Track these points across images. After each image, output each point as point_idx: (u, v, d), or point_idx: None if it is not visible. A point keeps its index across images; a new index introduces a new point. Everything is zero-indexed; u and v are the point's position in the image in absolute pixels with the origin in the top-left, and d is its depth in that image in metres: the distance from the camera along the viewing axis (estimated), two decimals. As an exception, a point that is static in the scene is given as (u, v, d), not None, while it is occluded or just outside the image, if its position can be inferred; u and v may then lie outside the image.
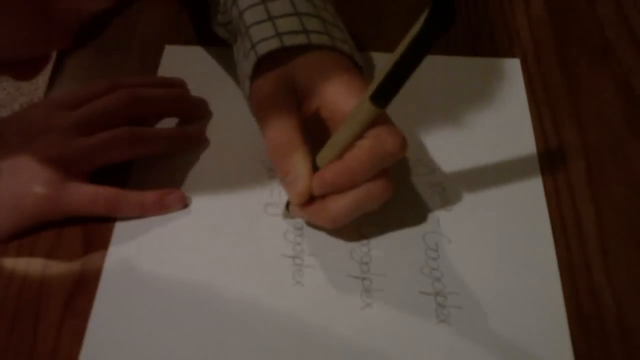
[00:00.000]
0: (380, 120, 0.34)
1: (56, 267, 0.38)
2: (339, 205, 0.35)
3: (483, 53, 0.50)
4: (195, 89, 0.46)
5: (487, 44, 0.50)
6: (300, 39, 0.37)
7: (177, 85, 0.46)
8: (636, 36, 0.51)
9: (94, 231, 0.39)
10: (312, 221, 0.38)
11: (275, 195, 0.41)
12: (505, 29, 0.52)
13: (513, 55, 0.49)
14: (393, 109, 0.36)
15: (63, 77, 0.48)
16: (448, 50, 0.49)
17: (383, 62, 0.47)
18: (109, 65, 0.49)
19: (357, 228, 0.39)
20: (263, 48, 0.37)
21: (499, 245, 0.39)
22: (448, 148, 0.44)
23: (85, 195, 0.38)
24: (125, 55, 0.49)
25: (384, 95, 0.31)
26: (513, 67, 0.48)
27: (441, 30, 0.27)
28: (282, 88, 0.37)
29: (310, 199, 0.37)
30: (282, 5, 0.38)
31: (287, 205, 0.39)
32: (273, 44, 0.37)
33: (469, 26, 0.52)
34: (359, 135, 0.34)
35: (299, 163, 0.36)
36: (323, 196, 0.36)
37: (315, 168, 0.36)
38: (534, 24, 0.52)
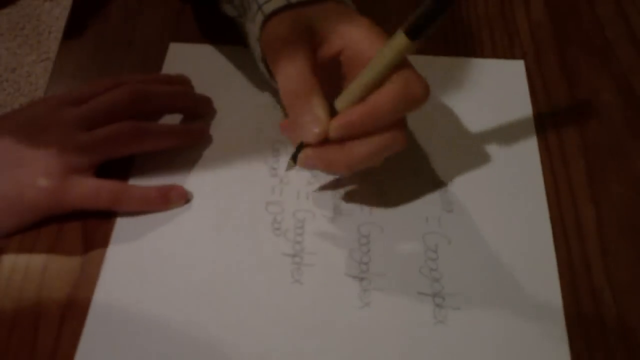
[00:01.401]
0: (404, 65, 0.34)
1: (56, 268, 0.38)
2: (358, 151, 0.35)
3: (483, 53, 0.50)
4: (200, 87, 0.46)
5: (487, 44, 0.50)
6: None
7: (181, 82, 0.46)
8: (636, 36, 0.51)
9: (94, 231, 0.39)
10: (325, 167, 0.37)
11: (277, 193, 0.41)
12: (505, 29, 0.52)
13: (513, 55, 0.49)
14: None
15: (63, 77, 0.48)
16: (448, 50, 0.49)
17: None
18: (109, 65, 0.49)
19: (357, 227, 0.39)
20: (270, 7, 0.36)
21: (499, 247, 0.39)
22: (450, 149, 0.44)
23: (89, 188, 0.38)
24: (126, 54, 0.49)
25: (419, 28, 0.32)
26: (517, 69, 0.48)
27: None
28: (297, 30, 0.36)
29: (322, 145, 0.36)
30: None
31: (294, 156, 0.38)
32: (280, 2, 0.36)
33: (469, 26, 0.52)
34: (385, 76, 0.34)
35: (317, 105, 0.35)
36: (337, 142, 0.35)
37: (333, 113, 0.35)
38: (534, 24, 0.52)
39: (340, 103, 0.35)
